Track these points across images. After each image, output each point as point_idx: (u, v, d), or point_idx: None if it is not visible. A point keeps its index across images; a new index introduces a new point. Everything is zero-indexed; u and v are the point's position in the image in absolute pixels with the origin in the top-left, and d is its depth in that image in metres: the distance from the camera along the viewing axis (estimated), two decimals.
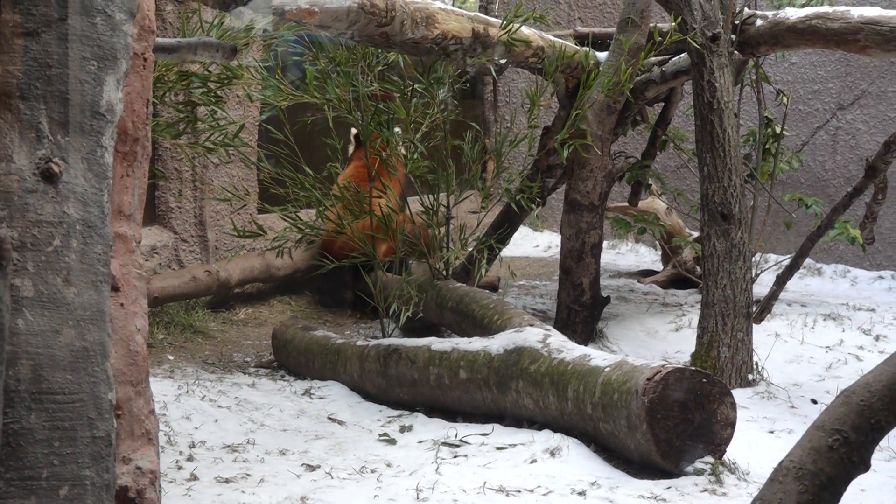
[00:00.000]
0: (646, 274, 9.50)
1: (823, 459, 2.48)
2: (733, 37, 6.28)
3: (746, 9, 6.62)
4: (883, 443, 4.92)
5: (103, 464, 2.48)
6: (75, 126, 2.52)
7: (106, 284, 2.57)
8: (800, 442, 2.54)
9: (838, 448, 2.48)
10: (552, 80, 6.71)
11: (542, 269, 9.74)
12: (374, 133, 6.95)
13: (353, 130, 7.89)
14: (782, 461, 2.53)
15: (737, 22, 6.40)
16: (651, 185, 8.44)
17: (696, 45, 6.04)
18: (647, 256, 10.36)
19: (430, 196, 6.81)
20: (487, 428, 5.12)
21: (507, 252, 7.44)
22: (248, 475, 4.59)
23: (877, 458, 4.80)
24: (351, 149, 8.11)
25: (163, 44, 4.11)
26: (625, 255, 10.49)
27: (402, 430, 5.30)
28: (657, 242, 9.42)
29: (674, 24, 6.35)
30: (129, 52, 2.68)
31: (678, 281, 8.93)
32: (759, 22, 6.50)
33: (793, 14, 6.43)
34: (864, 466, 2.51)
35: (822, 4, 6.99)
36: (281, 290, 8.51)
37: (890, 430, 2.54)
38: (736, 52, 6.38)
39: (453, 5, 6.41)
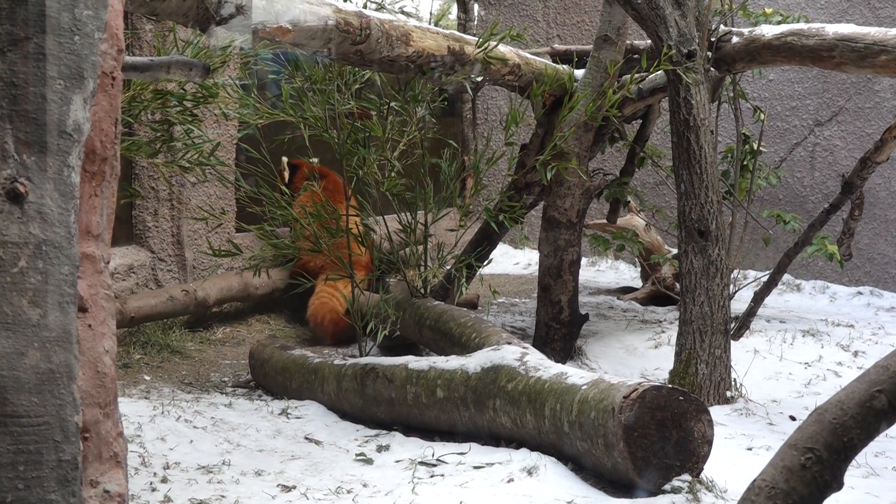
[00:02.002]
0: (625, 291, 9.50)
1: (796, 478, 2.46)
2: (709, 54, 6.29)
3: (722, 26, 6.64)
4: (861, 459, 4.96)
5: (69, 487, 2.45)
6: (42, 146, 2.50)
7: (73, 305, 2.54)
8: (772, 461, 2.52)
9: (811, 467, 2.46)
10: (533, 100, 6.71)
11: (522, 287, 9.73)
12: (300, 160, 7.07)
13: (285, 159, 7.90)
14: (755, 480, 2.51)
15: (713, 39, 6.42)
16: (630, 201, 8.45)
17: (671, 65, 6.05)
18: (626, 273, 10.37)
19: (408, 214, 6.79)
20: (465, 447, 5.10)
21: (486, 269, 7.44)
22: (223, 497, 4.55)
23: (855, 474, 4.82)
24: (286, 175, 8.07)
25: (135, 62, 4.09)
26: (604, 272, 10.49)
27: (379, 449, 5.27)
28: (636, 259, 9.42)
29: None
30: (96, 71, 2.65)
31: (658, 297, 8.94)
32: (734, 39, 6.52)
33: (768, 31, 6.45)
34: (837, 485, 2.49)
35: (797, 21, 7.01)
36: (259, 309, 8.47)
37: (863, 448, 2.53)
38: (712, 69, 6.39)
39: (430, 23, 6.40)
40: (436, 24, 6.42)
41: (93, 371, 2.84)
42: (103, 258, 2.95)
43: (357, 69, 6.45)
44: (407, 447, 5.27)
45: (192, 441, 5.30)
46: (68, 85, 2.55)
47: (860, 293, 9.43)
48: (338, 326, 7.67)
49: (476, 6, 11.40)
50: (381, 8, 6.27)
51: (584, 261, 8.61)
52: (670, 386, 4.62)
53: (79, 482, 2.48)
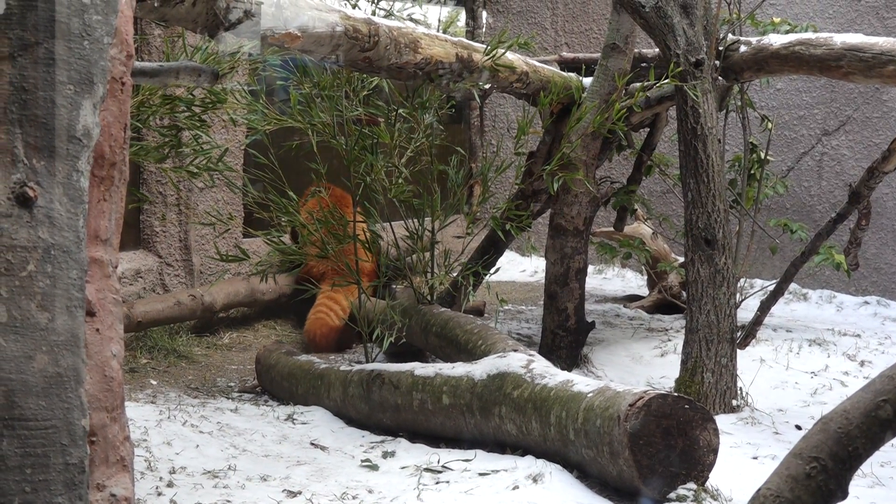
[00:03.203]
0: (632, 299, 9.49)
1: (801, 487, 2.46)
2: (717, 63, 6.29)
3: (730, 35, 6.65)
4: (866, 469, 4.95)
5: (76, 491, 2.46)
6: (51, 150, 2.51)
7: (81, 310, 2.55)
8: (777, 470, 2.53)
9: (816, 476, 2.46)
10: (542, 108, 6.71)
11: (529, 294, 9.73)
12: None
13: None
14: (759, 489, 2.52)
15: (721, 48, 6.42)
16: (637, 210, 8.45)
17: (680, 81, 6.06)
18: (633, 281, 10.36)
19: (415, 220, 6.79)
20: (470, 454, 5.10)
21: (493, 277, 7.44)
22: (229, 501, 4.56)
23: (860, 484, 4.81)
24: None
25: (143, 68, 4.11)
26: (611, 280, 10.49)
27: (385, 455, 5.28)
28: (643, 267, 9.42)
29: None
30: (106, 77, 2.67)
31: (664, 306, 8.93)
32: (742, 48, 6.52)
33: (776, 40, 6.45)
34: (842, 494, 2.50)
35: (806, 31, 7.02)
36: (266, 314, 8.49)
37: (868, 457, 2.53)
38: (720, 77, 6.40)
39: (438, 30, 6.41)
40: (444, 32, 6.42)
41: (100, 375, 2.85)
42: (111, 263, 2.97)
43: (365, 76, 6.47)
44: (412, 453, 5.27)
45: (198, 446, 5.31)
46: (78, 90, 2.57)
47: (867, 303, 9.41)
48: (329, 340, 7.70)
49: (484, 13, 11.42)
50: (389, 15, 6.28)
51: (590, 268, 8.60)
52: (676, 394, 4.62)
53: (85, 486, 2.49)
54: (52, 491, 2.40)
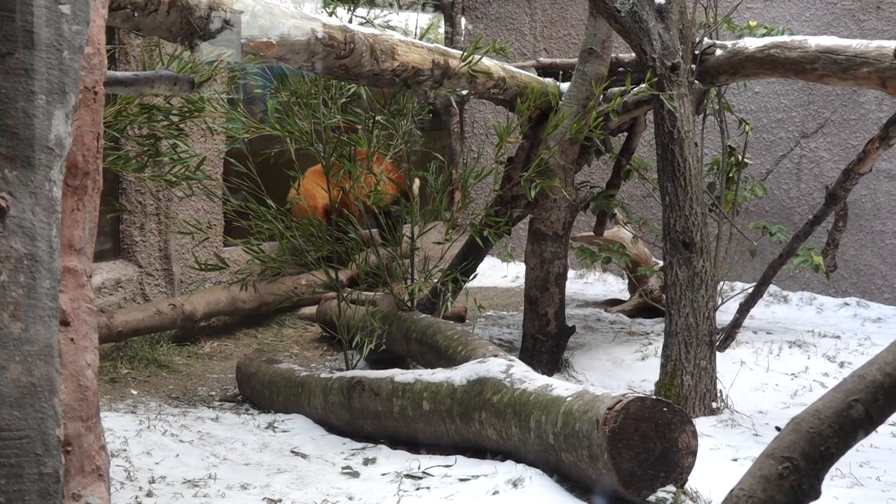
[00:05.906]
0: (613, 303, 9.51)
1: (773, 487, 2.47)
2: (693, 66, 6.32)
3: (706, 38, 6.67)
4: (845, 469, 4.97)
5: (51, 501, 2.46)
6: (23, 160, 2.51)
7: (54, 319, 2.55)
8: (750, 470, 2.54)
9: (788, 476, 2.48)
10: (519, 115, 6.72)
11: (510, 300, 9.74)
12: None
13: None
14: (732, 490, 2.53)
15: (696, 52, 6.44)
16: (616, 214, 8.46)
17: (656, 90, 6.08)
18: (614, 285, 10.39)
19: (393, 226, 6.80)
20: (450, 459, 5.10)
21: (475, 282, 7.43)
22: None
23: (839, 484, 4.84)
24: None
25: (119, 77, 4.11)
26: (592, 285, 10.51)
27: (366, 462, 5.27)
28: (624, 272, 9.45)
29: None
30: (78, 86, 2.67)
31: (645, 310, 8.95)
32: (718, 52, 6.55)
33: (752, 44, 6.48)
34: (815, 494, 2.51)
35: (782, 34, 7.05)
36: (247, 322, 8.48)
37: (840, 457, 2.54)
38: (696, 81, 6.42)
39: (416, 36, 6.42)
40: (421, 38, 6.43)
41: (75, 384, 2.85)
42: (86, 272, 2.96)
43: (343, 83, 6.47)
44: (393, 460, 5.27)
45: (178, 455, 5.30)
46: (50, 100, 2.57)
47: (847, 304, 9.45)
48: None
49: (463, 20, 11.44)
50: (367, 23, 6.29)
51: (572, 273, 8.61)
52: (654, 397, 4.63)
53: (60, 495, 2.48)
54: (27, 501, 2.40)
